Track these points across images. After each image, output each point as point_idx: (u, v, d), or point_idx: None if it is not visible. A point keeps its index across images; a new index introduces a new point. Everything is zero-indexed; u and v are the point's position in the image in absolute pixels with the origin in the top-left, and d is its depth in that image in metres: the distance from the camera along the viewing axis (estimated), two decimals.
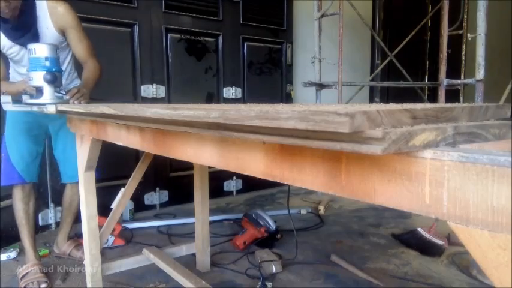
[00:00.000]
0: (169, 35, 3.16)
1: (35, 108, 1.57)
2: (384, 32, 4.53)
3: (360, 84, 3.64)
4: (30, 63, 1.63)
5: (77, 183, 1.89)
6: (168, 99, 3.17)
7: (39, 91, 1.62)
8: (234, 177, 3.63)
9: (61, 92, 1.74)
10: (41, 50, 1.60)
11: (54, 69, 1.62)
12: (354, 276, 1.98)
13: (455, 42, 3.65)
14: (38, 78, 1.59)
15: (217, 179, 3.39)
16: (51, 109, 1.43)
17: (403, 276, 1.98)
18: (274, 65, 3.81)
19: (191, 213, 2.16)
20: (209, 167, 1.90)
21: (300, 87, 3.72)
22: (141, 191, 3.03)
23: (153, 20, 3.06)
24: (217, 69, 3.45)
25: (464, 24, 3.60)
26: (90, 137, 1.48)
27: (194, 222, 2.04)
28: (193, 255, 2.09)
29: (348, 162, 0.53)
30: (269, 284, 1.87)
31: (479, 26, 2.37)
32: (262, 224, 2.32)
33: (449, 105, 0.61)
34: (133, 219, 2.84)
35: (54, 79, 1.59)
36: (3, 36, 1.80)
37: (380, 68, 3.87)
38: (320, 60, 3.31)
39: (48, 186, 2.65)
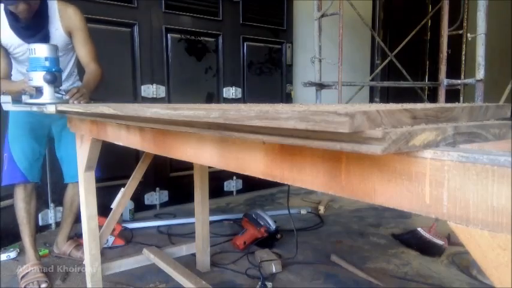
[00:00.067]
0: (169, 35, 3.16)
1: (34, 108, 1.57)
2: (384, 32, 4.54)
3: (360, 84, 3.64)
4: (30, 63, 1.63)
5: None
6: (168, 99, 3.17)
7: (39, 91, 1.62)
8: (234, 177, 3.63)
9: (60, 92, 1.74)
10: (40, 50, 1.61)
11: (54, 69, 1.62)
12: (354, 276, 1.98)
13: (455, 42, 3.65)
14: (38, 78, 1.59)
15: (217, 179, 3.39)
16: (51, 109, 1.43)
17: (403, 276, 1.98)
18: (274, 65, 3.81)
19: (191, 213, 2.16)
20: (209, 167, 1.90)
21: (300, 87, 3.72)
22: (141, 191, 3.03)
23: (153, 20, 3.06)
24: (217, 69, 3.45)
25: (464, 24, 3.60)
26: (90, 137, 1.48)
27: (194, 222, 2.04)
28: (193, 255, 2.09)
29: (348, 162, 0.53)
30: (269, 284, 1.87)
31: (479, 26, 2.37)
32: (262, 224, 2.32)
33: (449, 105, 0.61)
34: (133, 219, 2.84)
35: (54, 79, 1.60)
36: (13, 35, 1.82)
37: (380, 68, 3.87)
38: (320, 60, 3.31)
39: (48, 187, 2.65)
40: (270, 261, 2.03)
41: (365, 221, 2.89)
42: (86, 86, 1.85)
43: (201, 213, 1.99)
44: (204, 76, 3.38)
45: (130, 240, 2.48)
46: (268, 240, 2.32)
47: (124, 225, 2.60)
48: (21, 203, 1.94)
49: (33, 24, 1.81)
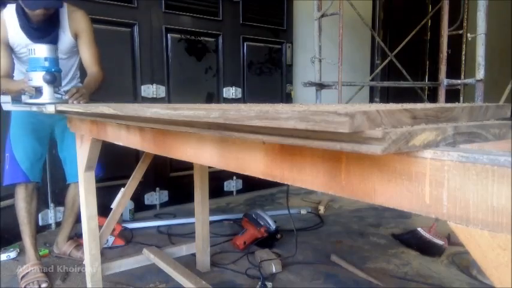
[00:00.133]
0: (169, 35, 3.16)
1: (34, 108, 1.57)
2: (384, 32, 4.54)
3: (360, 84, 3.64)
4: (30, 63, 1.64)
5: None
6: (168, 99, 3.17)
7: (38, 91, 1.63)
8: (234, 177, 3.63)
9: (60, 92, 1.75)
10: (40, 51, 1.61)
11: (53, 70, 1.63)
12: (354, 276, 1.98)
13: (455, 42, 3.65)
14: (38, 78, 1.60)
15: (217, 179, 3.39)
16: (50, 109, 1.43)
17: (403, 276, 1.98)
18: (274, 65, 3.81)
19: (191, 213, 2.16)
20: (209, 167, 1.90)
21: (300, 87, 3.72)
22: (141, 191, 3.03)
23: (153, 20, 3.06)
24: (217, 69, 3.45)
25: (464, 24, 3.60)
26: (90, 137, 1.48)
27: (194, 222, 2.04)
28: (193, 255, 2.09)
29: (348, 162, 0.53)
30: (269, 284, 1.87)
31: (479, 26, 2.37)
32: (262, 224, 2.32)
33: (449, 105, 0.61)
34: (133, 219, 2.84)
35: (54, 79, 1.60)
36: (22, 35, 1.84)
37: (380, 68, 3.87)
38: (320, 60, 3.31)
39: (49, 187, 2.65)
40: (270, 261, 2.04)
41: (365, 221, 2.89)
42: (86, 87, 1.86)
43: (201, 213, 1.99)
44: (204, 76, 3.38)
45: (130, 240, 2.48)
46: (268, 240, 2.32)
47: (124, 225, 2.60)
48: (22, 202, 1.94)
49: (44, 27, 1.85)
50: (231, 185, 3.64)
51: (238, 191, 3.67)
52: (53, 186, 2.66)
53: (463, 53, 3.67)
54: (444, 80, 2.98)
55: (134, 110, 0.84)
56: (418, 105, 0.60)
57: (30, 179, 1.93)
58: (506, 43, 5.13)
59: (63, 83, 1.99)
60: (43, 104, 1.54)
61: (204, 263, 2.04)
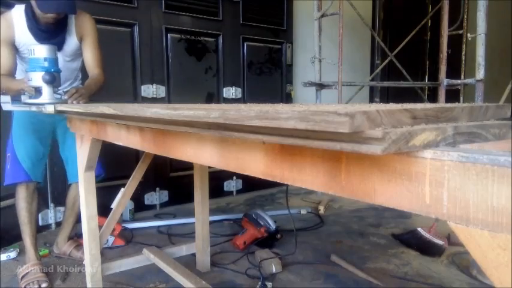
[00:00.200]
0: (169, 35, 3.16)
1: (33, 108, 1.58)
2: (384, 32, 4.54)
3: (360, 84, 3.64)
4: (30, 63, 1.65)
5: None
6: (168, 99, 3.17)
7: (38, 91, 1.63)
8: (234, 177, 3.63)
9: (59, 92, 1.75)
10: (40, 51, 1.62)
11: (53, 70, 1.63)
12: (354, 276, 1.98)
13: (455, 42, 3.65)
14: (37, 79, 1.61)
15: (217, 179, 3.39)
16: (49, 109, 1.44)
17: (403, 276, 1.98)
18: (274, 65, 3.81)
19: (191, 213, 2.16)
20: (209, 167, 1.90)
21: (300, 87, 3.72)
22: (141, 191, 3.03)
23: (153, 20, 3.06)
24: (217, 69, 3.45)
25: (464, 24, 3.60)
26: (90, 137, 1.48)
27: (194, 222, 2.04)
28: (193, 255, 2.09)
29: (348, 162, 0.53)
30: (269, 284, 1.87)
31: (479, 26, 2.37)
32: (262, 224, 2.32)
33: (449, 105, 0.61)
34: (134, 219, 2.84)
35: (53, 79, 1.61)
36: (29, 36, 1.85)
37: (380, 68, 3.87)
38: (320, 60, 3.31)
39: (48, 187, 2.65)
40: (270, 261, 2.03)
41: (365, 221, 2.89)
42: (86, 88, 1.88)
43: (201, 213, 1.99)
44: (204, 76, 3.38)
45: (130, 240, 2.48)
46: (268, 240, 2.32)
47: (124, 225, 2.60)
48: (22, 202, 1.94)
49: (51, 29, 1.88)
50: (231, 185, 3.64)
51: (238, 191, 3.67)
52: (53, 186, 2.66)
53: (463, 53, 3.66)
54: (444, 80, 2.98)
55: (134, 110, 0.84)
56: (418, 105, 0.60)
57: (32, 178, 1.93)
58: (506, 43, 5.13)
59: (66, 84, 2.01)
60: (42, 104, 1.54)
61: (204, 263, 2.04)
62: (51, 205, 2.67)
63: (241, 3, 3.47)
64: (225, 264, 2.12)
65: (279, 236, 2.37)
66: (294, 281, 1.94)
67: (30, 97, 1.66)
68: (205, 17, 3.31)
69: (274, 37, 3.76)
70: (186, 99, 3.18)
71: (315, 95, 3.40)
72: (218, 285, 1.90)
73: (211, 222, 2.29)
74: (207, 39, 3.36)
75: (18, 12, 1.85)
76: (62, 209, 2.62)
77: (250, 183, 3.65)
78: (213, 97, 3.44)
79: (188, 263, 2.00)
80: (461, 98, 3.66)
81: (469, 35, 2.48)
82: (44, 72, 1.59)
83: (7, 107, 1.65)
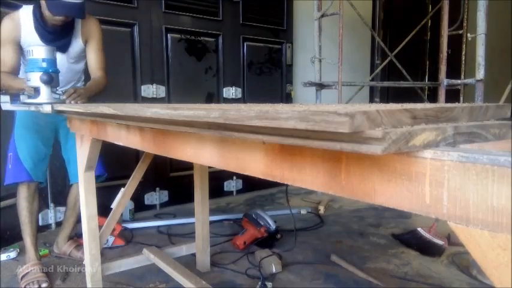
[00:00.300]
0: (169, 35, 3.16)
1: (32, 108, 1.59)
2: (384, 32, 4.53)
3: (360, 84, 3.64)
4: (28, 64, 1.66)
5: None
6: (168, 99, 3.17)
7: (37, 91, 1.64)
8: (234, 177, 3.63)
9: (57, 92, 1.76)
10: (38, 52, 1.64)
11: (50, 70, 1.64)
12: (354, 276, 1.98)
13: (455, 42, 3.65)
14: (35, 79, 1.62)
15: (217, 179, 3.39)
16: (47, 108, 1.45)
17: (403, 276, 1.98)
18: (274, 65, 3.81)
19: (191, 213, 2.16)
20: (209, 167, 1.90)
21: (300, 87, 3.72)
22: (141, 191, 3.03)
23: (153, 20, 3.06)
24: (217, 69, 3.45)
25: (464, 24, 3.60)
26: (90, 137, 1.48)
27: (194, 222, 2.04)
28: (193, 255, 2.09)
29: (348, 162, 0.53)
30: (269, 284, 1.87)
31: (479, 26, 2.37)
32: (262, 224, 2.32)
33: (449, 105, 0.61)
34: (134, 219, 2.84)
35: (51, 80, 1.62)
36: (35, 36, 1.87)
37: (380, 68, 3.87)
38: (320, 60, 3.31)
39: (49, 187, 2.65)
40: (270, 261, 2.03)
41: (365, 221, 2.89)
42: (86, 88, 1.90)
43: (201, 213, 1.99)
44: (204, 76, 3.38)
45: (130, 240, 2.48)
46: (268, 240, 2.32)
47: (124, 225, 2.60)
48: (23, 202, 1.94)
49: (58, 31, 1.90)
50: (231, 185, 3.64)
51: (238, 191, 3.67)
52: (53, 186, 2.66)
53: (463, 53, 3.66)
54: (444, 80, 2.98)
55: (134, 110, 0.84)
56: (418, 105, 0.60)
57: (33, 178, 1.93)
58: (506, 43, 5.13)
59: (69, 85, 2.02)
60: (40, 104, 1.55)
61: (204, 263, 2.04)
62: (51, 205, 2.67)
63: (241, 3, 3.47)
64: (225, 264, 2.12)
65: (279, 236, 2.37)
66: (294, 281, 1.94)
67: (29, 97, 1.67)
68: (205, 17, 3.31)
69: (274, 37, 3.75)
70: (186, 99, 3.18)
71: (315, 95, 3.40)
72: (218, 285, 1.90)
73: (211, 222, 2.29)
74: (207, 39, 3.36)
75: (25, 13, 1.87)
76: (61, 209, 2.62)
77: (250, 183, 3.65)
78: (213, 97, 3.44)
79: (188, 263, 2.00)
80: (461, 98, 3.66)
81: (469, 35, 2.48)
82: (41, 73, 1.60)
83: (6, 106, 1.66)
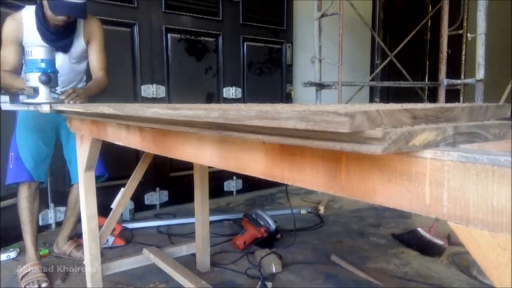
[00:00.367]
0: (169, 35, 3.16)
1: (31, 108, 1.60)
2: (384, 32, 4.53)
3: (360, 84, 3.64)
4: (27, 64, 1.67)
5: None
6: (168, 99, 3.17)
7: (36, 91, 1.65)
8: (234, 177, 3.63)
9: (56, 92, 1.77)
10: (37, 52, 1.65)
11: (49, 71, 1.65)
12: (354, 276, 1.98)
13: (455, 42, 3.65)
14: (34, 79, 1.63)
15: (217, 179, 3.39)
16: (45, 108, 1.46)
17: (403, 276, 1.98)
18: (274, 65, 3.81)
19: (191, 213, 2.16)
20: (209, 167, 1.90)
21: (300, 87, 3.72)
22: (141, 191, 3.03)
23: (153, 20, 3.06)
24: (217, 69, 3.45)
25: (464, 24, 3.60)
26: (90, 137, 1.48)
27: (194, 222, 2.04)
28: (193, 255, 2.09)
29: (348, 162, 0.53)
30: (269, 284, 1.87)
31: (479, 26, 2.37)
32: (262, 224, 2.32)
33: (449, 105, 0.61)
34: (134, 219, 2.84)
35: (49, 80, 1.63)
36: (37, 37, 1.88)
37: (380, 68, 3.87)
38: (320, 60, 3.31)
39: (49, 187, 2.65)
40: (270, 261, 2.03)
41: (365, 221, 2.89)
42: (85, 89, 1.90)
43: (201, 213, 1.99)
44: (204, 76, 3.38)
45: (130, 240, 2.48)
46: (268, 240, 2.32)
47: (124, 225, 2.60)
48: (24, 202, 1.94)
49: (60, 31, 1.90)
50: (231, 185, 3.64)
51: (238, 191, 3.67)
52: (53, 186, 2.66)
53: (463, 53, 3.67)
54: (444, 80, 2.98)
55: (134, 110, 0.84)
56: (418, 105, 0.60)
57: (34, 178, 1.94)
58: (506, 43, 5.13)
59: (71, 86, 2.03)
60: (39, 104, 1.56)
61: (204, 263, 2.04)
62: (51, 205, 2.66)
63: (241, 3, 3.47)
64: (225, 264, 2.12)
65: (279, 236, 2.37)
66: (294, 281, 1.94)
67: (28, 97, 1.67)
68: (205, 17, 3.31)
69: (274, 37, 3.75)
70: (186, 99, 3.18)
71: (315, 95, 3.40)
72: (218, 285, 1.90)
73: (211, 222, 2.29)
74: (207, 39, 3.36)
75: (28, 13, 1.88)
76: (61, 209, 2.62)
77: (250, 183, 3.65)
78: (213, 97, 3.44)
79: (188, 263, 2.00)
80: (461, 98, 3.67)
81: (469, 35, 2.48)
82: (40, 73, 1.61)
83: (6, 106, 1.66)
